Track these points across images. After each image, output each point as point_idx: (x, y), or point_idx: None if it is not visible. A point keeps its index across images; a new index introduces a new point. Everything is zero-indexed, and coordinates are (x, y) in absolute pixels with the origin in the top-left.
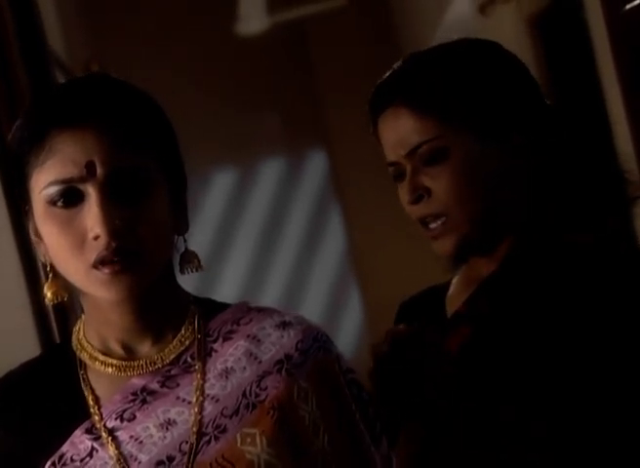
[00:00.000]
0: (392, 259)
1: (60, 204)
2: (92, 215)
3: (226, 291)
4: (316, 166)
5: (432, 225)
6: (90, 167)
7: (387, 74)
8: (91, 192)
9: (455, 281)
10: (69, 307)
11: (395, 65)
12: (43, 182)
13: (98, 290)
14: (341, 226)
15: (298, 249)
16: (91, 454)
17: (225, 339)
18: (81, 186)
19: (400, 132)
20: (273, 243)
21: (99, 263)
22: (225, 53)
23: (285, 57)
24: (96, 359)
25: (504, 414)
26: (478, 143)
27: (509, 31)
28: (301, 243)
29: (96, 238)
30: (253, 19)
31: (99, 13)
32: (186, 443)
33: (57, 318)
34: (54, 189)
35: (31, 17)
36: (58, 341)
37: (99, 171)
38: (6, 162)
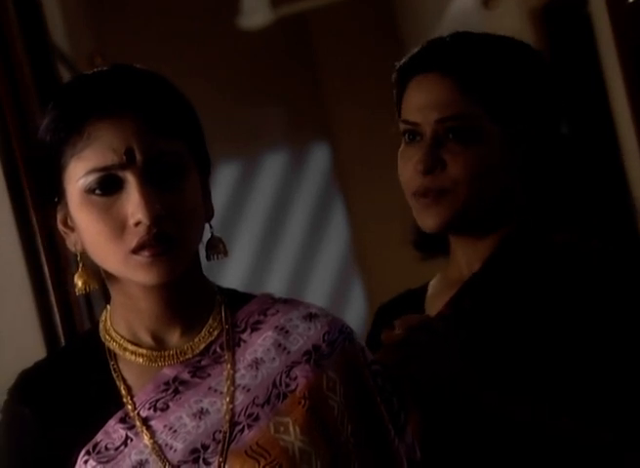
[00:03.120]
0: (394, 252)
1: (98, 191)
2: (132, 202)
3: (230, 282)
4: (319, 158)
5: (430, 194)
6: (129, 154)
7: (429, 42)
8: (130, 179)
9: (433, 282)
10: (74, 302)
11: (437, 38)
12: (81, 171)
13: (136, 274)
14: (344, 218)
15: (301, 241)
16: (125, 443)
17: (253, 330)
18: (120, 173)
19: (440, 97)
20: (276, 235)
21: (138, 249)
22: (229, 46)
23: (288, 50)
24: (125, 349)
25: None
26: (506, 137)
27: (513, 25)
28: (304, 235)
29: (137, 224)
30: (256, 12)
31: (101, 6)
32: (220, 432)
33: (60, 314)
34: (92, 177)
35: (35, 11)
36: (61, 337)
37: (137, 157)
38: (10, 157)
